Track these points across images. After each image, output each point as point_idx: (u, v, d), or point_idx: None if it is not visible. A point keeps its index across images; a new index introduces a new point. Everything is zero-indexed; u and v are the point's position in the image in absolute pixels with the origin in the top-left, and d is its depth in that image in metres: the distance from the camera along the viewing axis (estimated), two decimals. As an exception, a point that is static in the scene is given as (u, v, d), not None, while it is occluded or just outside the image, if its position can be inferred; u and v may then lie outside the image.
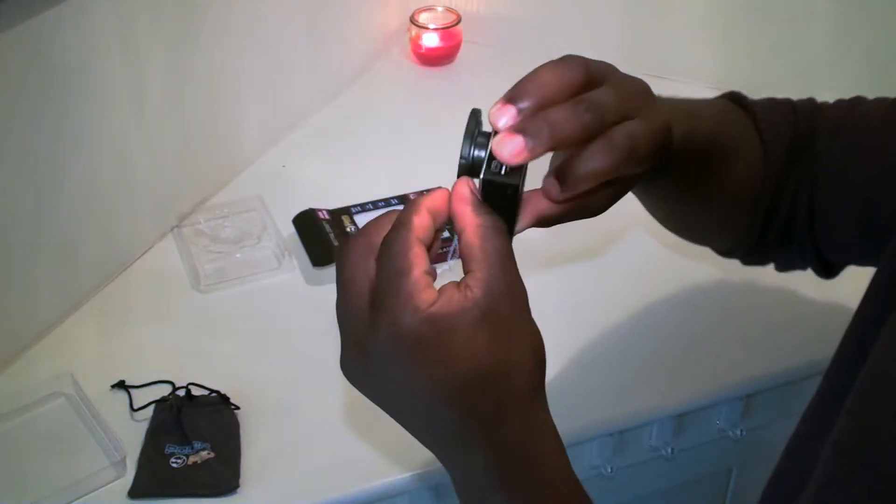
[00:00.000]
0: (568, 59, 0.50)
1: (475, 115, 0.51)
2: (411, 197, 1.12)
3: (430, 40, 1.43)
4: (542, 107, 0.48)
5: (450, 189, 0.51)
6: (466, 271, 0.49)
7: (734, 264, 0.80)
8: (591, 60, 0.51)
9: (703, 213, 0.73)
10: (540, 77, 0.49)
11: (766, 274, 0.81)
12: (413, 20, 1.43)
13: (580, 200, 0.53)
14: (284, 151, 1.24)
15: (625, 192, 0.57)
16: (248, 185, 1.17)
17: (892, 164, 0.64)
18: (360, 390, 0.51)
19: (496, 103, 0.48)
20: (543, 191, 0.51)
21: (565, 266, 1.05)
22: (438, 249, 0.52)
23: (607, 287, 1.02)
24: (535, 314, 0.51)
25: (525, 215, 0.52)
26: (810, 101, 0.73)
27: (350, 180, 1.18)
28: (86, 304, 0.99)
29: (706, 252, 0.81)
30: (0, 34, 0.81)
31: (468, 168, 0.50)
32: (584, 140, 0.49)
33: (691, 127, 0.63)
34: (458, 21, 1.43)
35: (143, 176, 1.04)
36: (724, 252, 0.78)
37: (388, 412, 0.52)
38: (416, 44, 1.44)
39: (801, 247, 0.71)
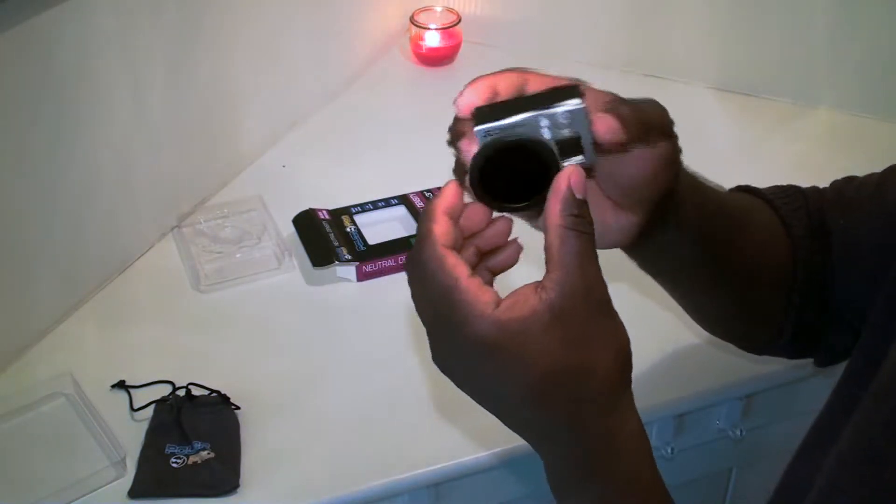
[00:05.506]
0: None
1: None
2: (411, 197, 1.12)
3: (431, 40, 1.43)
4: None
5: (455, 181, 0.51)
6: (546, 272, 0.49)
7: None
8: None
9: (733, 286, 0.70)
10: None
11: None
12: (413, 20, 1.43)
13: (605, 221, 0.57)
14: (284, 151, 1.24)
15: (643, 223, 0.59)
16: (248, 185, 1.17)
17: (892, 211, 0.64)
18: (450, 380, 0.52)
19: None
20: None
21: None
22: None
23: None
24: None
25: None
26: (812, 187, 0.73)
27: (350, 180, 1.18)
28: (86, 304, 0.99)
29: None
30: (0, 34, 0.82)
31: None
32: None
33: (696, 183, 0.63)
34: (458, 21, 1.44)
35: (143, 176, 1.04)
36: (765, 343, 0.74)
37: (475, 401, 0.52)
38: (416, 44, 1.44)
39: (839, 317, 0.69)
